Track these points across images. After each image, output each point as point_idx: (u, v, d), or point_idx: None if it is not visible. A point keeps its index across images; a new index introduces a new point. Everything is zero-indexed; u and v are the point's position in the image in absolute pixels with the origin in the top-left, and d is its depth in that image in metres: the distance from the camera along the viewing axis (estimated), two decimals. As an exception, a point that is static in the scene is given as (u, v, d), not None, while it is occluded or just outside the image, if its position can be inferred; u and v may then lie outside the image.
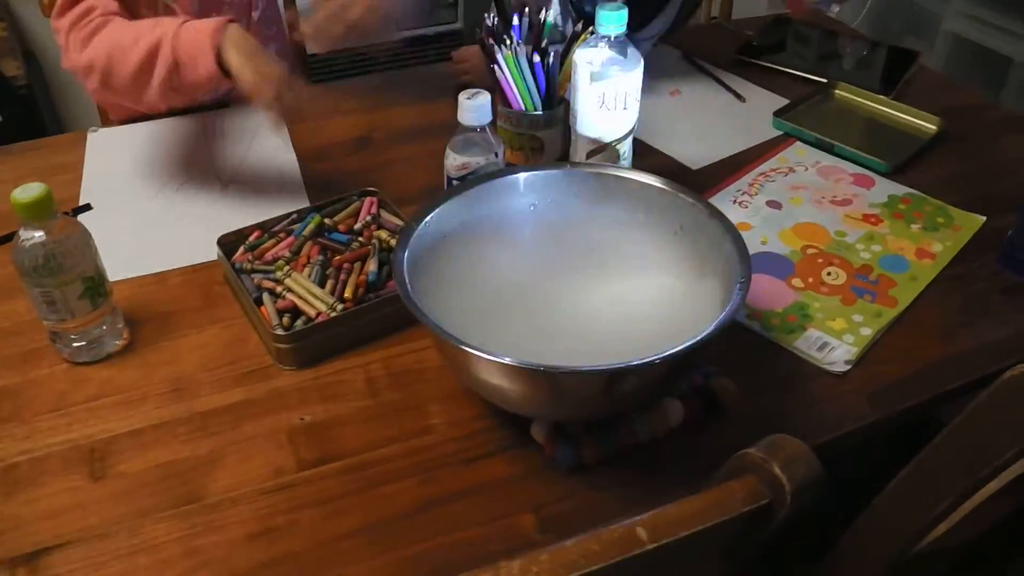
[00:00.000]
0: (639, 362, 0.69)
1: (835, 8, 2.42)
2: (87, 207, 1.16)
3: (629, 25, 0.98)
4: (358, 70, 2.32)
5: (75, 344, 0.91)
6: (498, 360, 0.69)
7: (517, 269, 0.92)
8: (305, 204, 1.13)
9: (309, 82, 1.57)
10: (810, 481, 0.55)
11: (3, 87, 2.31)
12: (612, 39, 0.98)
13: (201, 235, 1.04)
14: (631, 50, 1.00)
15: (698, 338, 0.70)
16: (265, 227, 1.03)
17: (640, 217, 0.91)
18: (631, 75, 1.00)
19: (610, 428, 0.80)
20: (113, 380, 0.91)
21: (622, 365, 0.68)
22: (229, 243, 1.01)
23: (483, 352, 0.69)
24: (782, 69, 1.49)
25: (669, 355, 0.69)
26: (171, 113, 1.36)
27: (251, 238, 1.01)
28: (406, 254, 0.80)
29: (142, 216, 1.14)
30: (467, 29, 2.47)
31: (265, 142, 1.28)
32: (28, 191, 0.84)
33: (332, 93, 1.47)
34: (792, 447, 0.57)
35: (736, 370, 0.88)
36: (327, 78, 1.56)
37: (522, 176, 0.92)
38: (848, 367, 0.90)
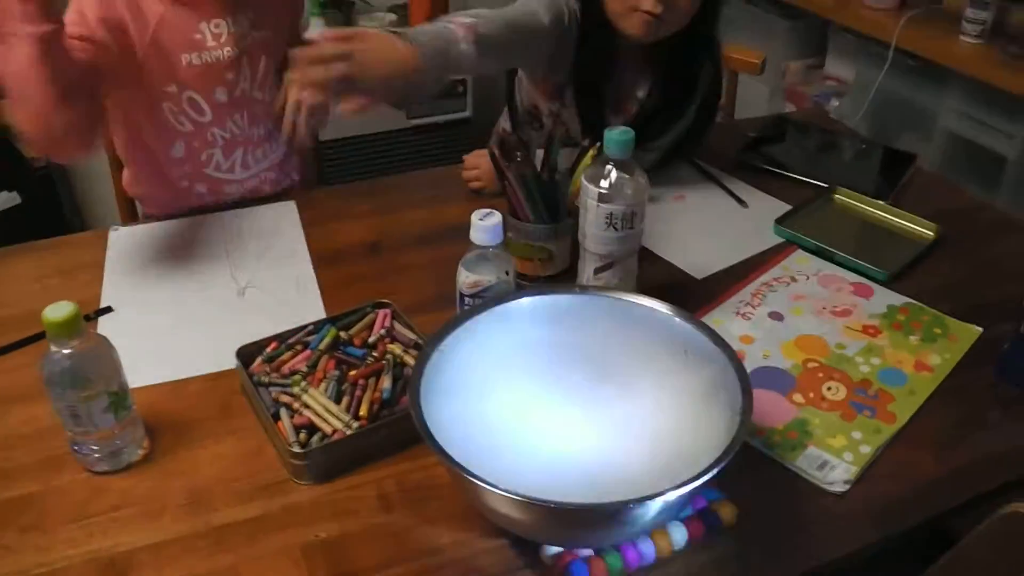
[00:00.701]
0: (643, 499, 0.71)
1: (834, 102, 2.48)
2: (108, 309, 1.19)
3: (639, 140, 1.02)
4: (369, 166, 2.38)
5: (95, 455, 0.93)
6: (506, 495, 0.71)
7: (528, 392, 0.95)
8: (320, 310, 1.16)
9: (321, 182, 1.62)
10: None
11: (23, 168, 2.36)
12: (619, 161, 1.03)
13: (219, 342, 1.07)
14: (638, 172, 1.04)
15: (697, 477, 0.73)
16: (282, 338, 1.06)
17: (648, 341, 0.94)
18: (638, 196, 1.04)
19: (617, 551, 0.82)
20: (133, 490, 0.93)
21: (627, 502, 0.71)
22: (247, 353, 1.04)
23: (492, 487, 0.72)
24: (783, 173, 1.53)
25: (671, 492, 0.71)
26: (192, 212, 1.41)
27: (268, 349, 1.04)
28: (423, 379, 0.84)
29: (161, 320, 1.17)
30: (476, 118, 2.54)
31: (280, 245, 1.32)
32: (58, 310, 0.87)
33: (344, 194, 1.51)
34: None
35: (737, 488, 0.90)
36: (339, 179, 1.60)
37: (533, 300, 0.96)
38: (847, 487, 0.92)
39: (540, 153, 1.20)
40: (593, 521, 0.76)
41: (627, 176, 1.04)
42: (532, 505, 0.72)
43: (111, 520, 0.90)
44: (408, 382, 0.83)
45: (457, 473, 0.74)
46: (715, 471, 0.74)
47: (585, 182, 1.05)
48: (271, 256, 1.30)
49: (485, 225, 0.99)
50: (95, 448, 0.93)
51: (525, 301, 0.95)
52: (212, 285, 1.24)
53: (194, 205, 1.44)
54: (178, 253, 1.32)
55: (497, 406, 0.92)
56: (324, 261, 1.29)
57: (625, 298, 0.94)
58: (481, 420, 0.89)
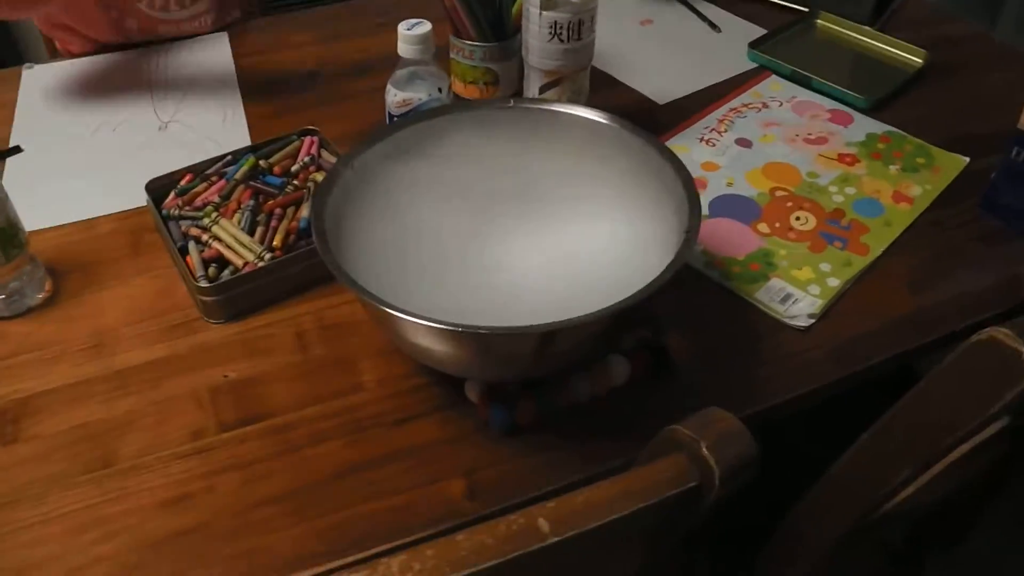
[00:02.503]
0: (571, 321, 0.63)
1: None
2: (17, 149, 1.09)
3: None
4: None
5: (-10, 299, 0.86)
6: (420, 322, 0.63)
7: (456, 216, 0.86)
8: (247, 144, 1.06)
9: (262, 11, 1.49)
10: (743, 462, 0.50)
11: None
12: (566, -36, 0.91)
13: (134, 179, 0.97)
14: (588, -24, 0.93)
15: (632, 297, 0.65)
16: (197, 170, 0.96)
17: (589, 158, 0.84)
18: (587, 3, 0.93)
19: (548, 387, 0.74)
20: (32, 336, 0.85)
21: (553, 325, 0.63)
22: (159, 188, 0.94)
23: (405, 313, 0.64)
24: (761, -2, 1.41)
25: (601, 314, 0.63)
26: (112, 47, 1.29)
27: (182, 182, 0.95)
28: (330, 200, 0.74)
29: (75, 159, 1.07)
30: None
31: (208, 78, 1.21)
32: (-73, 133, 0.78)
33: (283, 24, 1.39)
34: (725, 423, 0.51)
35: (690, 324, 0.83)
36: (279, 8, 1.47)
37: (462, 114, 0.85)
38: (811, 321, 0.85)
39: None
40: (514, 348, 0.67)
41: (575, -19, 0.92)
42: (447, 332, 0.63)
43: (5, 367, 0.82)
44: (314, 200, 0.73)
45: (365, 301, 0.66)
46: (650, 292, 0.65)
47: (528, -13, 0.93)
48: (198, 89, 1.19)
49: (413, 35, 0.89)
50: (-12, 292, 0.85)
51: (453, 116, 0.84)
52: (132, 121, 1.13)
53: (122, 41, 1.31)
54: (96, 90, 1.21)
55: (421, 231, 0.83)
56: (255, 92, 1.18)
57: (564, 110, 0.84)
58: (403, 247, 0.80)
